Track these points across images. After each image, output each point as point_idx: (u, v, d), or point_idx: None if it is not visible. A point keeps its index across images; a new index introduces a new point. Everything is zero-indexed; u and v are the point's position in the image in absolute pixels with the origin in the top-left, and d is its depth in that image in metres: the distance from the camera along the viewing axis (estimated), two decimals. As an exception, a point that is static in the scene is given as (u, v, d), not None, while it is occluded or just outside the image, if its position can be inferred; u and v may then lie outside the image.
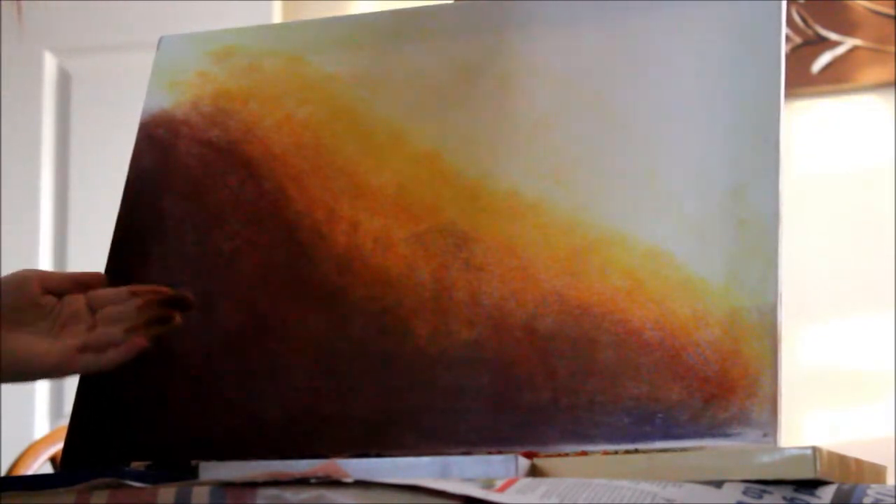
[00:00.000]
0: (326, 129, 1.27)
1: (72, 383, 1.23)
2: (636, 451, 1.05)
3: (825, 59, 2.64)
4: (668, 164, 1.16)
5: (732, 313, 1.08)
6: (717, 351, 1.07)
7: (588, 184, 1.18)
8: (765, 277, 1.09)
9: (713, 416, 1.05)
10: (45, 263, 2.93)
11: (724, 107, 1.16)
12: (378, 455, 1.12)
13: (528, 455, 1.00)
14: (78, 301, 1.13)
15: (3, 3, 1.09)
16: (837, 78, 2.64)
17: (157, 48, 1.37)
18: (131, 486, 0.94)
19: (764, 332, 1.07)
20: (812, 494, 0.89)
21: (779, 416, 1.04)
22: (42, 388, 2.82)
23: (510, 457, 0.97)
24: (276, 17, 2.86)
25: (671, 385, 1.07)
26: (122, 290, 1.14)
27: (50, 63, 2.87)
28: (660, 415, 1.07)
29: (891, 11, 2.60)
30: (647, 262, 1.13)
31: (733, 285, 1.09)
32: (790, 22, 2.63)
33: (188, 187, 1.28)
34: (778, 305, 1.08)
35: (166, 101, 1.34)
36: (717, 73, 1.18)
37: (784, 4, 1.19)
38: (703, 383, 1.06)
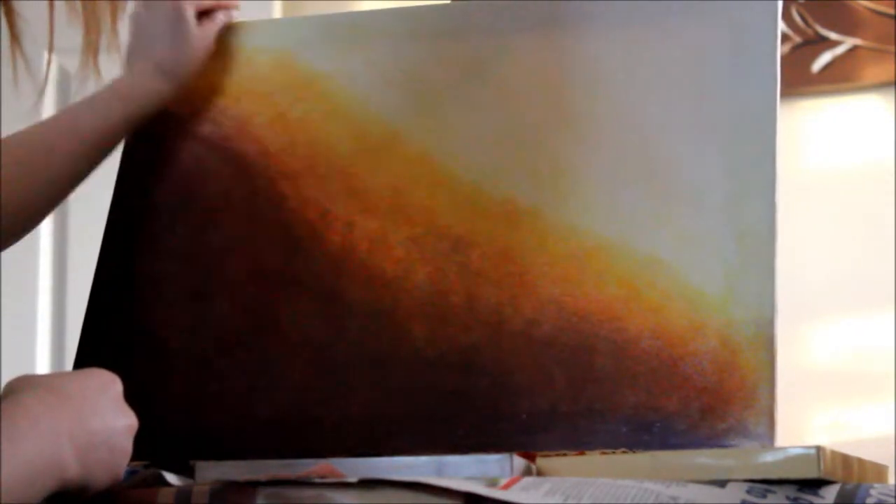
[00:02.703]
0: (321, 128, 1.26)
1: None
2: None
3: (825, 58, 2.63)
4: (665, 174, 1.16)
5: (729, 325, 1.08)
6: (715, 362, 1.07)
7: (586, 191, 1.17)
8: (762, 290, 1.09)
9: (710, 427, 1.05)
10: (45, 262, 2.93)
11: (722, 117, 1.16)
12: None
13: (528, 455, 0.99)
14: None
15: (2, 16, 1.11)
16: (838, 77, 2.63)
17: None
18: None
19: (761, 344, 1.07)
20: (815, 494, 0.89)
21: (775, 429, 1.03)
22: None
23: (505, 456, 0.97)
24: (276, 15, 2.86)
25: (669, 395, 1.07)
26: None
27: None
28: (657, 424, 1.06)
29: (891, 11, 2.60)
30: (644, 271, 1.13)
31: (730, 297, 1.09)
32: (790, 22, 2.62)
33: (180, 181, 1.27)
34: (774, 318, 1.08)
35: None
36: (715, 84, 1.17)
37: (779, 15, 1.19)
38: (701, 394, 1.06)
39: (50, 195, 1.31)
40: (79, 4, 1.16)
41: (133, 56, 1.32)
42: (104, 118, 1.29)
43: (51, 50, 1.16)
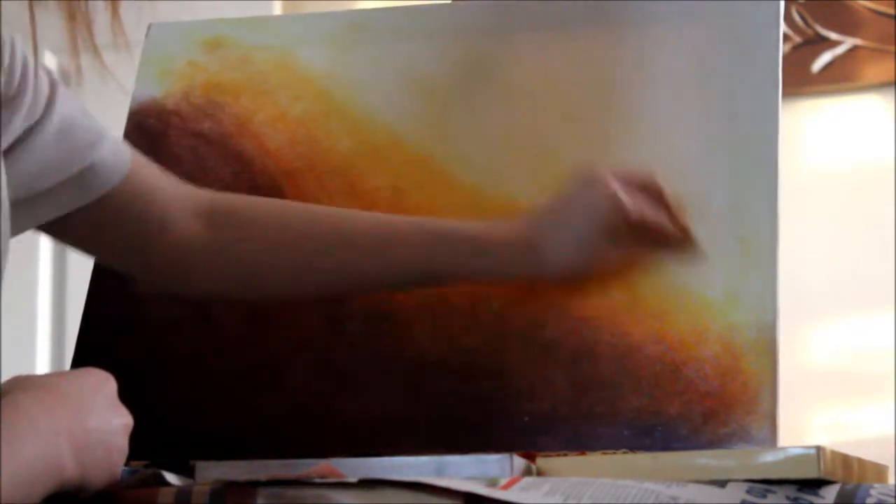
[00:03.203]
0: (321, 127, 1.26)
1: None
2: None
3: (825, 58, 2.64)
4: (667, 178, 1.15)
5: (731, 329, 1.08)
6: (717, 367, 1.07)
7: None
8: (763, 295, 1.09)
9: (713, 432, 1.05)
10: (45, 263, 2.93)
11: (723, 120, 1.16)
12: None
13: (528, 455, 0.99)
14: None
15: (3, 3, 1.09)
16: (838, 77, 2.63)
17: (146, 36, 1.36)
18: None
19: (763, 349, 1.07)
20: (815, 494, 0.89)
21: (777, 433, 1.03)
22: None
23: (505, 456, 0.97)
24: (276, 14, 2.86)
25: (671, 399, 1.07)
26: None
27: (50, 63, 2.86)
28: (659, 428, 1.06)
29: (891, 11, 2.60)
30: (646, 277, 1.12)
31: (732, 302, 1.09)
32: (790, 22, 2.63)
33: (179, 178, 1.27)
34: (776, 322, 1.08)
35: (156, 90, 1.33)
36: (716, 86, 1.17)
37: (781, 17, 1.19)
38: (703, 398, 1.06)
39: (301, 290, 1.17)
40: (51, 4, 1.10)
41: (540, 219, 1.14)
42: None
43: (35, 50, 1.13)
